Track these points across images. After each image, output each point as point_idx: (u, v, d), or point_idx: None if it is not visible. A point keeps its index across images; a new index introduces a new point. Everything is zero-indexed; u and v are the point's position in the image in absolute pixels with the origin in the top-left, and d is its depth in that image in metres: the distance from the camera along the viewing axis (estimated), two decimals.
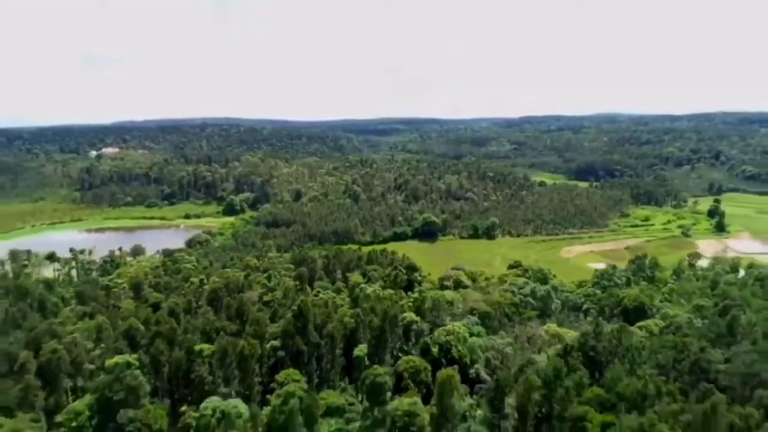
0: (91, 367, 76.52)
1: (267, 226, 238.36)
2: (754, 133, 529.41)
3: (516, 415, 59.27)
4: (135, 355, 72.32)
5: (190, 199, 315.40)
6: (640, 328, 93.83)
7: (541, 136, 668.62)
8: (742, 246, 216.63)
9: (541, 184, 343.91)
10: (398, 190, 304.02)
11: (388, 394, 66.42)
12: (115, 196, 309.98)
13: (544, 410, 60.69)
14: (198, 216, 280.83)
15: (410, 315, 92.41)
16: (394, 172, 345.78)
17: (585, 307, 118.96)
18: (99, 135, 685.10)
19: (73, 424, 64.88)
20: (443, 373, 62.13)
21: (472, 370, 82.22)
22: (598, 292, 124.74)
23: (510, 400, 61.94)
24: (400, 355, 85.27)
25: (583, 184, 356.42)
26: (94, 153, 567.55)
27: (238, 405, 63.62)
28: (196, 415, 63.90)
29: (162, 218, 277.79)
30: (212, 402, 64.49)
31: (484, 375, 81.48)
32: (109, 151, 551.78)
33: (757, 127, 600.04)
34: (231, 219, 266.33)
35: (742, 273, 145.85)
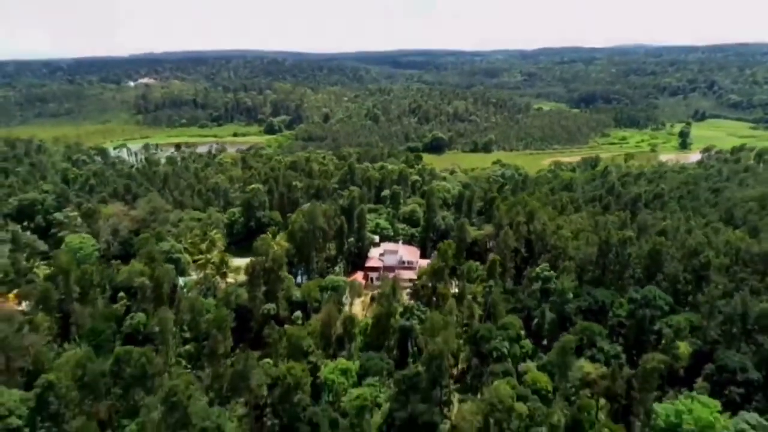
0: (233, 195, 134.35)
1: (304, 141, 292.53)
2: (760, 65, 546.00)
3: (466, 209, 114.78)
4: (260, 185, 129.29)
5: (234, 121, 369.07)
6: None
7: (553, 67, 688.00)
8: (694, 158, 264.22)
9: (538, 109, 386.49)
10: (412, 114, 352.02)
11: (401, 202, 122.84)
12: (172, 118, 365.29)
13: (485, 214, 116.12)
14: (244, 135, 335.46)
15: (416, 177, 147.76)
16: (409, 99, 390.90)
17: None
18: (133, 66, 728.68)
19: (233, 218, 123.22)
20: (428, 187, 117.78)
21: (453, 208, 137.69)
22: (549, 175, 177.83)
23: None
24: (409, 200, 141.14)
25: (576, 111, 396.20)
26: (132, 83, 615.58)
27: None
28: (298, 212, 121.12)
29: (215, 136, 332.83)
30: (307, 205, 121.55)
31: None
32: (147, 81, 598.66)
33: None
34: (273, 137, 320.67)
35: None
